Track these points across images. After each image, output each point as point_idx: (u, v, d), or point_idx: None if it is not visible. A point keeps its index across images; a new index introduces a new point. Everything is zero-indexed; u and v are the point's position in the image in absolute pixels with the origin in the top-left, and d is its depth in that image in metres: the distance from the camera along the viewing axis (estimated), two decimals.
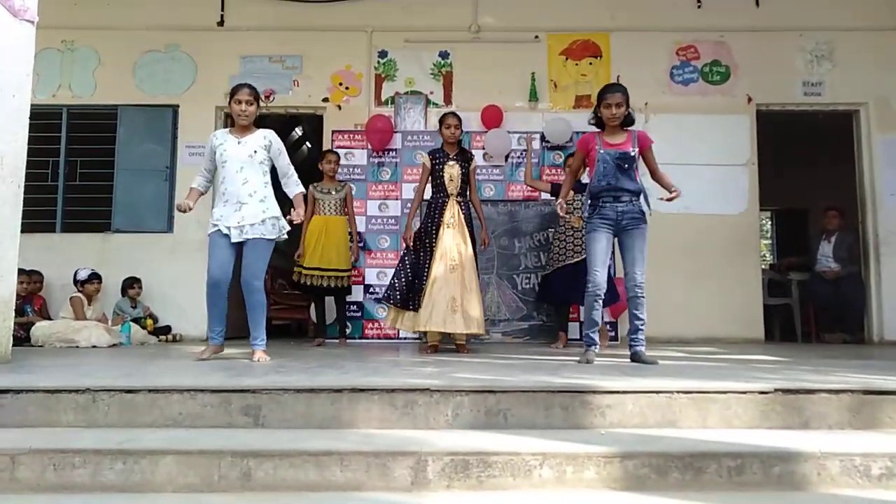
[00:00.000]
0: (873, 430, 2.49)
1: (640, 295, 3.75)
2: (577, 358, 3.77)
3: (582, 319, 4.47)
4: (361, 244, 6.12)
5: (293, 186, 3.99)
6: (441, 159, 4.70)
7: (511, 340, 5.82)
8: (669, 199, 3.80)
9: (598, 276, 3.77)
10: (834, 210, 6.54)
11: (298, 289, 5.54)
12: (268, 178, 3.92)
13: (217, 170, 3.95)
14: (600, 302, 3.80)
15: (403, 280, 4.61)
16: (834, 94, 6.49)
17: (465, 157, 4.73)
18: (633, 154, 3.79)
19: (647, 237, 3.80)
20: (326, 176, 5.53)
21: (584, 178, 4.57)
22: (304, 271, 5.33)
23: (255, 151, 3.88)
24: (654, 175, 3.95)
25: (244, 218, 3.79)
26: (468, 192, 4.75)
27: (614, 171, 3.75)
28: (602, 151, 3.79)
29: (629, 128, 3.90)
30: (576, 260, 5.04)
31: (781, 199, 8.34)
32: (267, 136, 3.95)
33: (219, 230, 3.82)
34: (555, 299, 5.34)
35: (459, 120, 4.75)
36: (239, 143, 3.89)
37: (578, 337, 5.57)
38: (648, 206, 3.89)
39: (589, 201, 3.88)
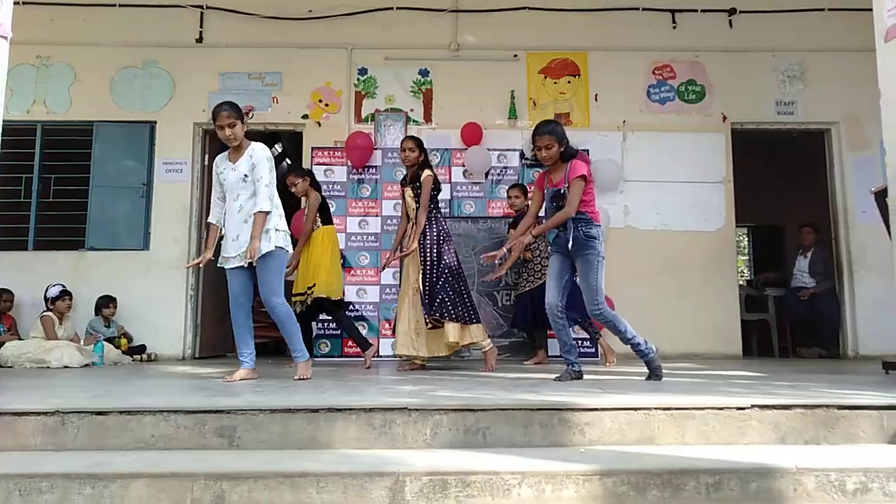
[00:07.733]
0: (848, 444, 2.51)
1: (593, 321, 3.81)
2: (556, 375, 3.77)
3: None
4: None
5: (258, 202, 3.69)
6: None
7: None
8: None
9: (547, 296, 3.80)
10: (808, 227, 6.66)
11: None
12: None
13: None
14: (561, 322, 3.76)
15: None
16: (806, 114, 6.64)
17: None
18: (563, 191, 3.77)
19: (598, 264, 3.65)
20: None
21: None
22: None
23: (246, 176, 3.72)
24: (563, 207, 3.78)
25: (240, 246, 3.71)
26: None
27: (552, 209, 3.83)
28: (546, 189, 3.91)
29: (570, 160, 3.80)
30: (531, 287, 5.21)
31: (757, 216, 8.48)
32: (252, 154, 3.75)
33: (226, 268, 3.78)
34: (517, 324, 5.47)
35: (414, 143, 4.63)
36: (234, 168, 3.76)
37: (559, 354, 5.59)
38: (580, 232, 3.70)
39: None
